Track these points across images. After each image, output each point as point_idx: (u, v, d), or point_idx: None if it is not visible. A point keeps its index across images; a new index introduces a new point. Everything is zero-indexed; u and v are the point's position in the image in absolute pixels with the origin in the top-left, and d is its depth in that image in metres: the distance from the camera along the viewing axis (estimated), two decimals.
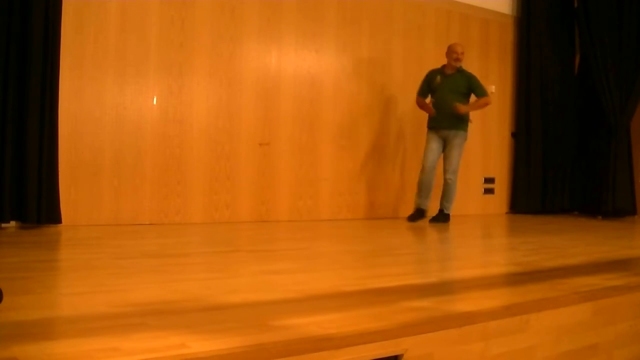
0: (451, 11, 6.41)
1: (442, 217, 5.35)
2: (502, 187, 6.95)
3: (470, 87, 5.36)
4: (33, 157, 4.08)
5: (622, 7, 6.92)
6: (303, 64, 5.43)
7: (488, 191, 6.81)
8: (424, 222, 5.31)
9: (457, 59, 5.33)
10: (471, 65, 6.58)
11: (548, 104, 7.04)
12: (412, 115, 6.14)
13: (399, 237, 4.31)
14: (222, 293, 2.21)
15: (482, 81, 6.66)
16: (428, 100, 5.49)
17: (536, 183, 6.98)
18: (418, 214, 5.33)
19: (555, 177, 7.11)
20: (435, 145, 5.33)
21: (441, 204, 5.38)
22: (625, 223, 6.37)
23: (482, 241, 4.62)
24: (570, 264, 3.21)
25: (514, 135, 6.99)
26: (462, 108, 5.23)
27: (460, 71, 5.39)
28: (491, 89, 6.76)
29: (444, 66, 5.42)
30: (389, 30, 5.95)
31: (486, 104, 5.49)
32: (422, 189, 5.32)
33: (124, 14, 4.55)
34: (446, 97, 5.26)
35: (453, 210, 6.45)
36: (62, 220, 4.22)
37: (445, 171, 5.33)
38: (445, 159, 5.35)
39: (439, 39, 6.31)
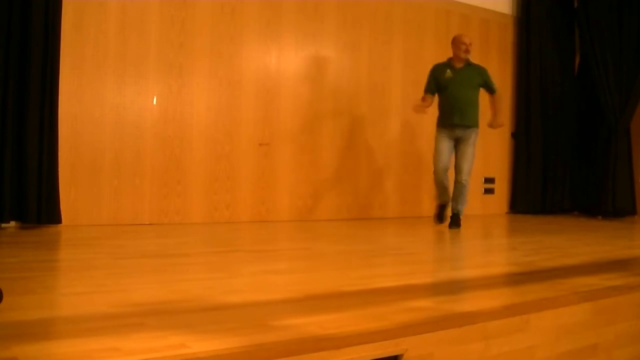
0: (451, 11, 6.41)
1: (459, 221, 5.02)
2: (502, 187, 6.95)
3: (485, 81, 5.09)
4: (33, 157, 4.08)
5: (622, 7, 6.92)
6: (303, 64, 5.43)
7: (488, 191, 6.81)
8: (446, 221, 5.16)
9: (467, 51, 4.99)
10: None
11: (548, 104, 7.04)
12: (412, 115, 6.14)
13: (399, 237, 4.31)
14: (222, 293, 2.21)
15: None
16: (434, 97, 5.13)
17: (536, 183, 6.98)
18: (442, 211, 5.17)
19: (555, 177, 7.11)
20: (446, 145, 4.99)
21: (454, 207, 5.02)
22: (625, 223, 6.37)
23: (482, 241, 4.62)
24: (570, 264, 3.21)
25: (514, 135, 6.99)
26: (502, 122, 5.22)
27: (471, 64, 5.08)
28: None
29: (450, 59, 5.07)
30: (389, 30, 5.95)
31: (504, 101, 5.28)
32: (441, 188, 5.06)
33: (124, 14, 4.55)
34: (460, 93, 4.95)
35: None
36: (62, 220, 4.22)
37: (460, 172, 4.94)
38: (460, 158, 4.98)
39: (439, 39, 6.30)
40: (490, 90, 5.12)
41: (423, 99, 5.14)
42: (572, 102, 7.25)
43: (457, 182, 4.96)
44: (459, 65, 5.02)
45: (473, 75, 5.04)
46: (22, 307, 1.84)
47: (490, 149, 6.81)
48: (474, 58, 6.59)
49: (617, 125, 6.83)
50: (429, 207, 6.26)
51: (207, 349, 1.45)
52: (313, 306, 2.04)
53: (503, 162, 6.95)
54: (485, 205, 6.78)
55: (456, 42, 5.02)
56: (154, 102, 4.70)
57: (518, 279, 2.79)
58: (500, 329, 2.01)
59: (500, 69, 6.87)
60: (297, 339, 1.59)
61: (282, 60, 5.32)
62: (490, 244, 4.45)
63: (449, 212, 5.13)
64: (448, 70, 5.02)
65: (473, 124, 4.96)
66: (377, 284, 2.52)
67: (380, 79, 5.90)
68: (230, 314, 1.89)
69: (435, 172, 5.01)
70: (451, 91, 4.96)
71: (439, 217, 5.15)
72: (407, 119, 6.09)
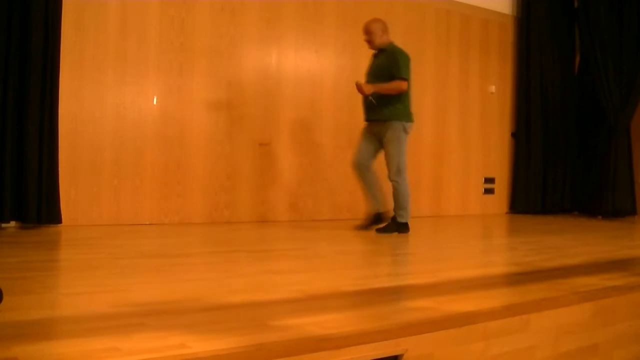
0: (451, 11, 6.41)
1: (390, 226, 4.43)
2: (502, 187, 6.95)
3: (390, 67, 4.36)
4: (33, 157, 4.08)
5: (622, 7, 6.92)
6: (303, 64, 5.43)
7: (488, 191, 6.81)
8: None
9: (367, 42, 4.52)
10: (471, 65, 6.59)
11: (548, 104, 7.04)
12: None
13: (398, 237, 4.31)
14: (222, 293, 2.21)
15: (482, 81, 6.69)
16: None
17: (536, 183, 6.98)
18: (369, 220, 4.54)
19: (555, 177, 7.11)
20: (365, 139, 4.50)
21: (394, 210, 4.46)
22: (625, 223, 6.37)
23: (482, 241, 4.62)
24: (570, 264, 3.21)
25: (514, 135, 7.00)
26: (366, 87, 4.30)
27: (386, 50, 4.48)
28: (491, 89, 6.76)
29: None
30: (389, 30, 5.94)
31: (397, 89, 4.32)
32: (363, 190, 4.55)
33: (124, 14, 4.55)
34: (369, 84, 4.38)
35: (454, 209, 6.48)
36: (62, 220, 4.22)
37: (388, 173, 4.42)
38: (384, 158, 4.44)
39: (439, 39, 6.31)
40: (394, 78, 4.34)
41: None
42: (572, 102, 7.25)
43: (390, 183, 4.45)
44: (376, 53, 4.57)
45: (384, 62, 4.44)
46: (22, 307, 1.84)
47: (490, 149, 6.81)
48: (475, 57, 6.63)
49: (617, 125, 6.83)
50: (428, 207, 6.27)
51: (207, 349, 1.45)
52: (313, 306, 2.04)
53: (503, 162, 6.95)
54: (485, 205, 6.78)
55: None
56: (154, 102, 4.70)
57: (518, 279, 2.79)
58: (500, 329, 2.02)
59: (500, 69, 6.88)
60: (297, 339, 1.59)
61: (282, 60, 5.32)
62: (490, 244, 4.45)
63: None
64: (370, 61, 4.63)
65: (386, 118, 4.37)
66: (377, 284, 2.52)
67: None
68: (230, 314, 1.89)
69: (352, 169, 4.58)
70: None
71: (361, 225, 4.57)
72: None
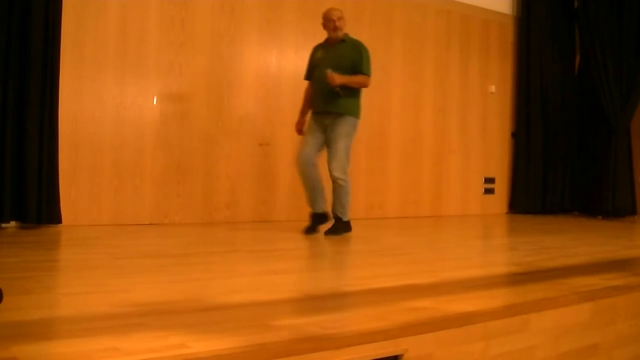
0: (451, 11, 6.41)
1: (339, 227, 4.23)
2: (502, 187, 6.95)
3: (355, 59, 4.20)
4: (33, 157, 4.08)
5: (622, 7, 6.92)
6: (303, 64, 5.40)
7: (488, 191, 6.81)
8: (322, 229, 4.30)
9: (335, 28, 4.24)
10: (471, 65, 6.59)
11: (548, 104, 7.04)
12: (412, 114, 6.14)
13: (399, 237, 4.31)
14: (222, 293, 2.21)
15: (482, 81, 6.69)
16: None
17: (536, 183, 6.98)
18: (314, 221, 4.34)
19: (555, 177, 7.11)
20: (313, 135, 4.27)
21: (334, 209, 4.27)
22: (625, 223, 6.37)
23: (482, 241, 4.62)
24: (570, 264, 3.21)
25: (514, 135, 7.00)
26: (337, 77, 4.06)
27: (346, 40, 4.31)
28: (491, 89, 6.76)
29: (327, 38, 4.36)
30: (389, 30, 5.95)
31: (363, 84, 4.24)
32: (307, 190, 4.31)
33: (123, 13, 4.55)
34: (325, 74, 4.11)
35: (454, 209, 6.48)
36: (62, 220, 4.22)
37: (330, 169, 4.16)
38: (328, 152, 4.22)
39: (439, 39, 6.31)
40: (358, 72, 4.20)
41: (306, 90, 4.53)
42: (572, 102, 7.25)
43: (331, 181, 4.20)
44: (331, 43, 4.32)
45: (346, 53, 4.25)
46: (21, 307, 1.84)
47: (490, 149, 6.81)
48: (475, 57, 6.62)
49: (617, 125, 6.83)
50: (430, 206, 6.27)
51: (207, 349, 1.45)
52: (313, 306, 2.04)
53: (503, 162, 6.95)
54: (485, 205, 6.78)
55: (324, 20, 4.29)
56: (154, 102, 4.70)
57: (518, 279, 2.79)
58: (500, 329, 2.02)
59: (500, 69, 6.88)
60: (297, 339, 1.59)
61: (282, 60, 5.31)
62: (490, 244, 4.45)
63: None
64: (320, 50, 4.38)
65: (343, 111, 4.20)
66: (377, 284, 2.52)
67: (380, 79, 5.89)
68: (230, 314, 1.89)
69: (296, 166, 4.32)
70: (318, 73, 4.25)
71: (308, 228, 4.33)
72: (407, 117, 6.09)
